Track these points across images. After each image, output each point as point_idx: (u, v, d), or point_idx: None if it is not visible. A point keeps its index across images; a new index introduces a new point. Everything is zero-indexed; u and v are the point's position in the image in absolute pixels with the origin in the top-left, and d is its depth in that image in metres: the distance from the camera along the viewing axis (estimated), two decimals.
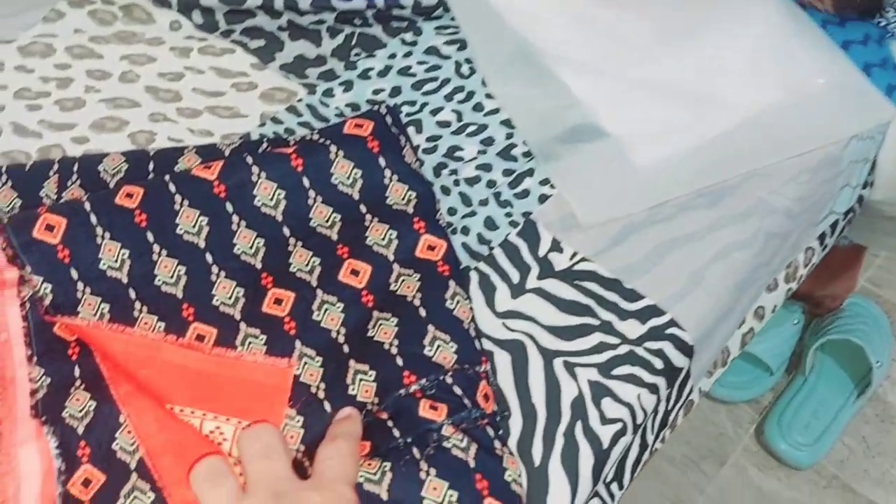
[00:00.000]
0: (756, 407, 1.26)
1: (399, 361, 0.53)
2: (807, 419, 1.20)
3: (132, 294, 0.57)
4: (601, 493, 0.60)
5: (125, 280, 0.57)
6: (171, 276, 0.57)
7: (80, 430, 0.52)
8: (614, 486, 0.61)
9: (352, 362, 0.54)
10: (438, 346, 0.54)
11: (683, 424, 1.20)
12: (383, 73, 0.73)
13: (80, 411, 0.53)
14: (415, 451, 0.50)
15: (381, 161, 0.62)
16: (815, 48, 0.73)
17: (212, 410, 0.52)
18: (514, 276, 0.61)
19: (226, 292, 0.57)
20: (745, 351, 1.18)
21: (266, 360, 0.54)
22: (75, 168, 0.64)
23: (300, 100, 0.70)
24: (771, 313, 0.74)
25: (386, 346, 0.54)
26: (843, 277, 1.23)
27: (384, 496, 0.48)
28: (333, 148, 0.62)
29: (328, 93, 0.71)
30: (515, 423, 0.55)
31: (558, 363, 0.58)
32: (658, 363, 0.59)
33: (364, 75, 0.72)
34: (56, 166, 0.64)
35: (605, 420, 0.56)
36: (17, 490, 0.51)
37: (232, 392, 0.53)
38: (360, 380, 0.53)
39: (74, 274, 0.57)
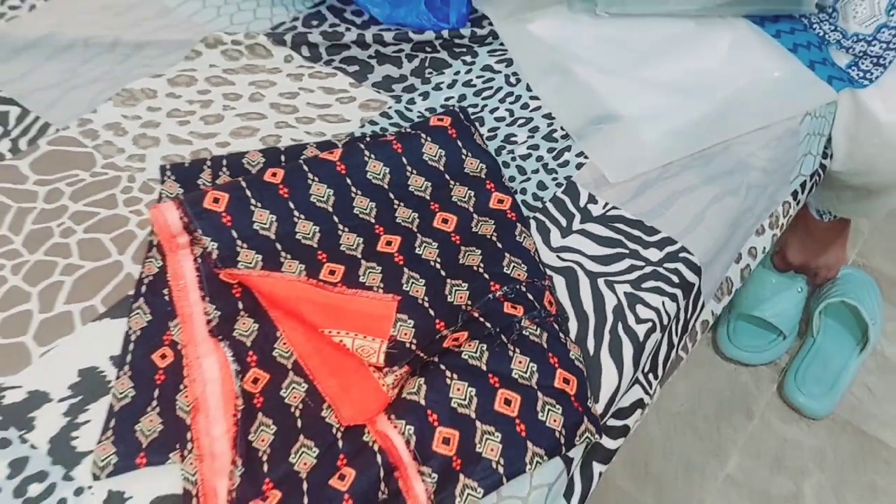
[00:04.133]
0: (775, 368, 1.43)
1: (486, 276, 0.73)
2: (818, 373, 1.37)
3: (279, 247, 0.76)
4: (641, 381, 0.78)
5: (273, 237, 0.77)
6: (309, 233, 0.77)
7: (248, 343, 0.71)
8: (651, 377, 0.80)
9: (448, 280, 0.74)
10: (513, 266, 0.74)
11: (713, 385, 1.38)
12: (451, 85, 0.94)
13: (247, 331, 0.72)
14: (503, 337, 0.69)
15: (459, 143, 0.83)
16: (771, 51, 0.97)
17: (335, 327, 0.70)
18: (563, 221, 0.81)
19: (349, 241, 0.77)
20: (760, 319, 1.37)
21: (377, 294, 0.73)
22: (224, 163, 0.85)
23: (390, 107, 0.91)
24: (762, 253, 0.93)
25: (475, 268, 0.74)
26: (832, 249, 1.42)
27: (484, 367, 0.67)
28: (423, 135, 0.82)
29: (410, 101, 0.92)
30: (572, 325, 0.74)
31: (601, 281, 0.77)
32: (675, 279, 0.78)
33: (437, 87, 0.93)
34: (209, 162, 0.85)
35: (639, 320, 0.75)
36: (204, 389, 0.69)
37: (349, 317, 0.71)
38: (456, 290, 0.73)
39: (234, 234, 0.76)
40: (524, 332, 0.70)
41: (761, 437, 1.37)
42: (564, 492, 0.72)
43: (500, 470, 0.64)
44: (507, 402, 0.66)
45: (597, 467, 0.74)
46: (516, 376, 0.67)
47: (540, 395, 0.67)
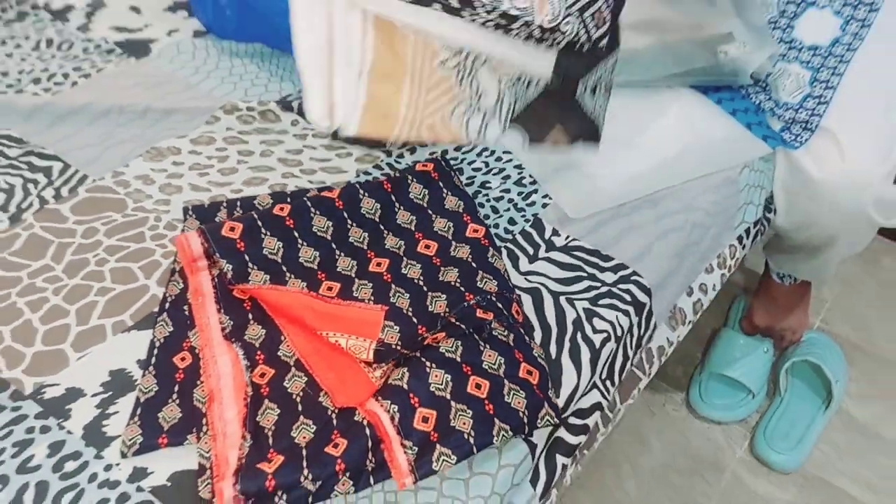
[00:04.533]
0: (745, 426, 1.52)
1: (461, 289, 0.85)
2: (786, 430, 1.46)
3: (284, 268, 0.89)
4: (599, 386, 0.89)
5: (279, 261, 0.89)
6: (310, 258, 0.90)
7: (257, 345, 0.83)
8: (608, 383, 0.90)
9: (429, 293, 0.86)
10: (486, 281, 0.86)
11: (687, 442, 1.47)
12: None
13: (256, 336, 0.84)
14: (475, 336, 0.81)
15: (440, 184, 0.97)
16: (712, 113, 1.12)
17: (331, 330, 0.82)
18: (530, 250, 0.94)
19: (345, 264, 0.90)
20: (731, 378, 1.47)
21: (367, 305, 0.85)
22: (238, 205, 0.98)
23: (382, 160, 1.05)
24: (713, 290, 1.05)
25: (452, 283, 0.86)
26: (795, 312, 1.54)
27: (458, 359, 0.79)
28: (410, 177, 0.96)
29: (400, 156, 1.06)
30: (537, 335, 0.86)
31: (562, 299, 0.89)
32: (627, 297, 0.90)
33: (422, 144, 1.08)
34: (225, 204, 0.98)
35: (595, 331, 0.87)
36: (219, 382, 0.80)
37: (344, 323, 0.83)
38: (436, 301, 0.85)
39: (247, 258, 0.89)
40: (494, 332, 0.82)
41: (733, 492, 1.45)
42: (531, 478, 0.82)
43: (472, 441, 0.74)
44: (478, 387, 0.77)
45: (560, 459, 0.84)
46: (486, 367, 0.79)
47: (506, 382, 0.78)
